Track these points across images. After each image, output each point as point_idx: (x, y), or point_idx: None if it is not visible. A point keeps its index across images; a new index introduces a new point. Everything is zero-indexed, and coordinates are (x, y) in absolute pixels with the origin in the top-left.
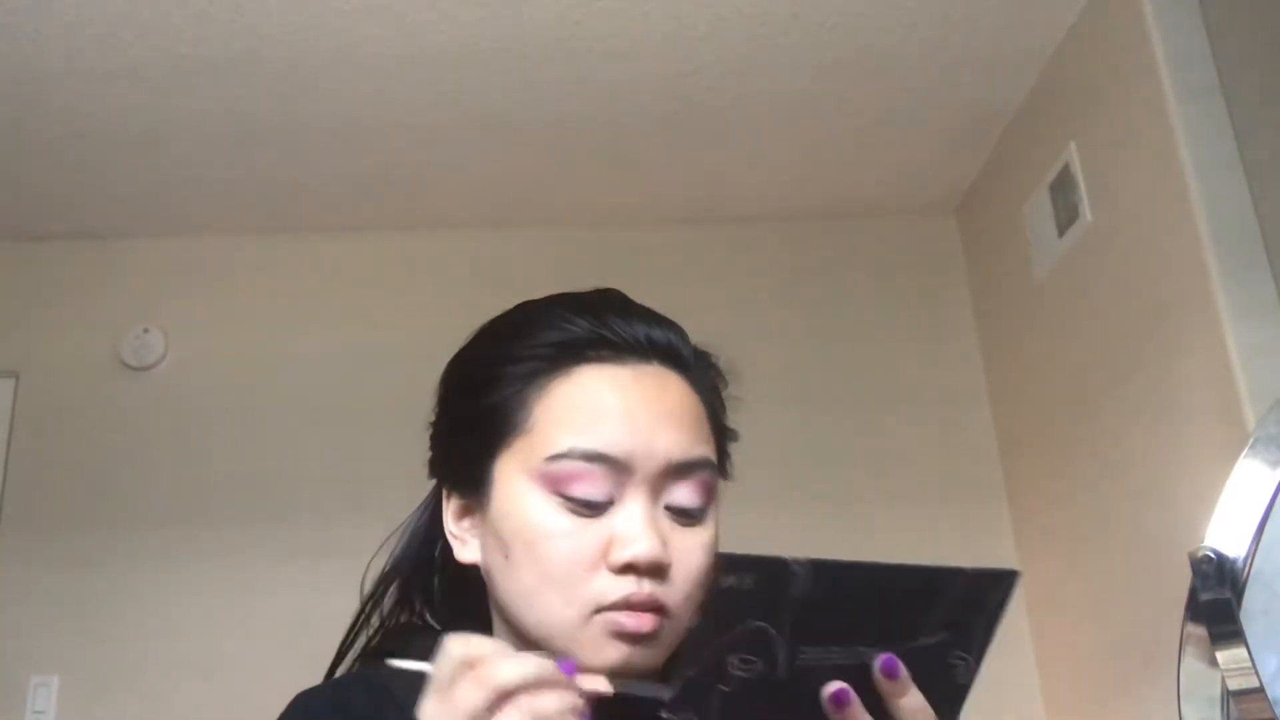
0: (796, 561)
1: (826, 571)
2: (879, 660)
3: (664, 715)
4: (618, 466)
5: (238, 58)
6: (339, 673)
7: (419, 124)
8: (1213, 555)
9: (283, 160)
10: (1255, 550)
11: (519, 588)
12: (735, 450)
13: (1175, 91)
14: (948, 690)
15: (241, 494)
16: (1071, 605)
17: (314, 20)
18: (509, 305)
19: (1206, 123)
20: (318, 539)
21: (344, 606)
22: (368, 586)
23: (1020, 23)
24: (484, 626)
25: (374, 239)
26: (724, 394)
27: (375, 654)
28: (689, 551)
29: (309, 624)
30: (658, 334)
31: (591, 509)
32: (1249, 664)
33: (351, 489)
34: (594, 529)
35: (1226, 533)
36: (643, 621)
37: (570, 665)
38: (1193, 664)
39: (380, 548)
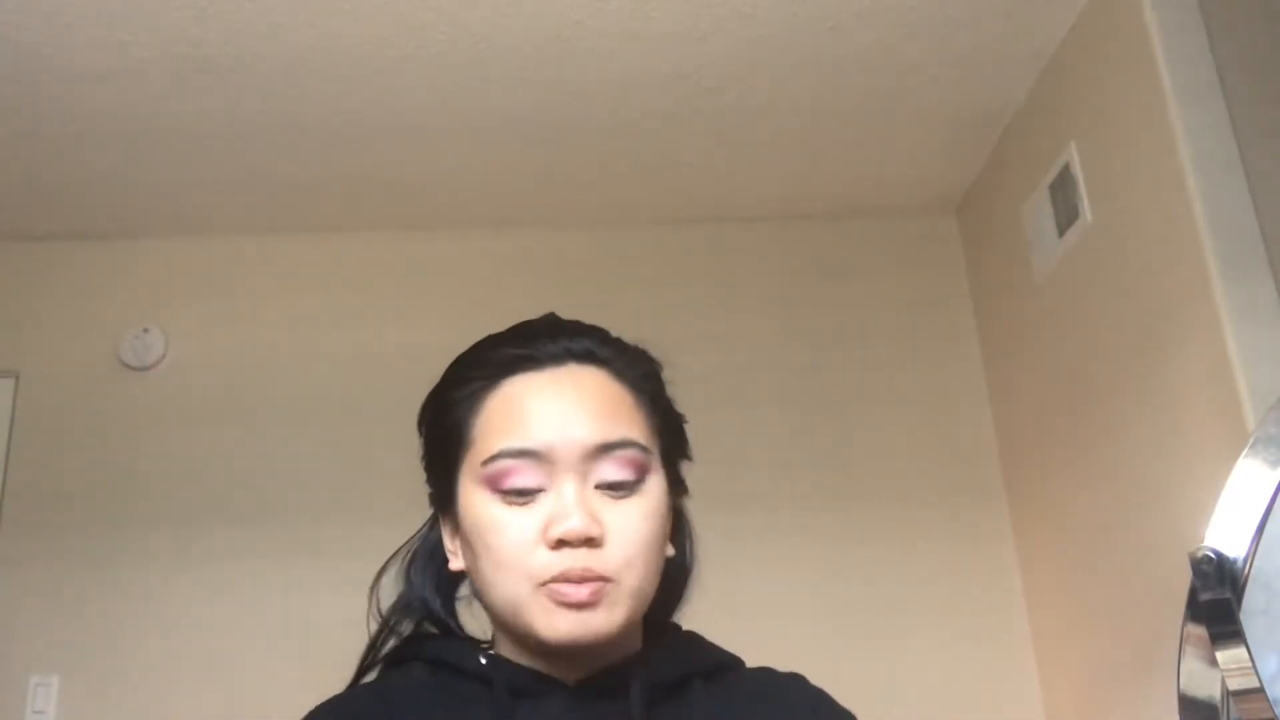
0: None
1: None
2: None
3: None
4: (541, 458)
5: (238, 58)
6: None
7: (419, 124)
8: (1213, 555)
9: (283, 160)
10: (1255, 550)
11: (485, 577)
12: (736, 450)
13: (1175, 91)
14: None
15: (241, 494)
16: (1071, 605)
17: (314, 20)
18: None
19: (1206, 123)
20: (317, 539)
21: (343, 606)
22: (383, 603)
23: (1020, 23)
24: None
25: (374, 239)
26: (663, 380)
27: (393, 661)
28: (623, 520)
29: (308, 624)
30: (573, 342)
31: (525, 497)
32: (1249, 664)
33: (351, 489)
34: (532, 515)
35: (1226, 533)
36: (581, 590)
37: None
38: (1193, 664)
39: (383, 568)
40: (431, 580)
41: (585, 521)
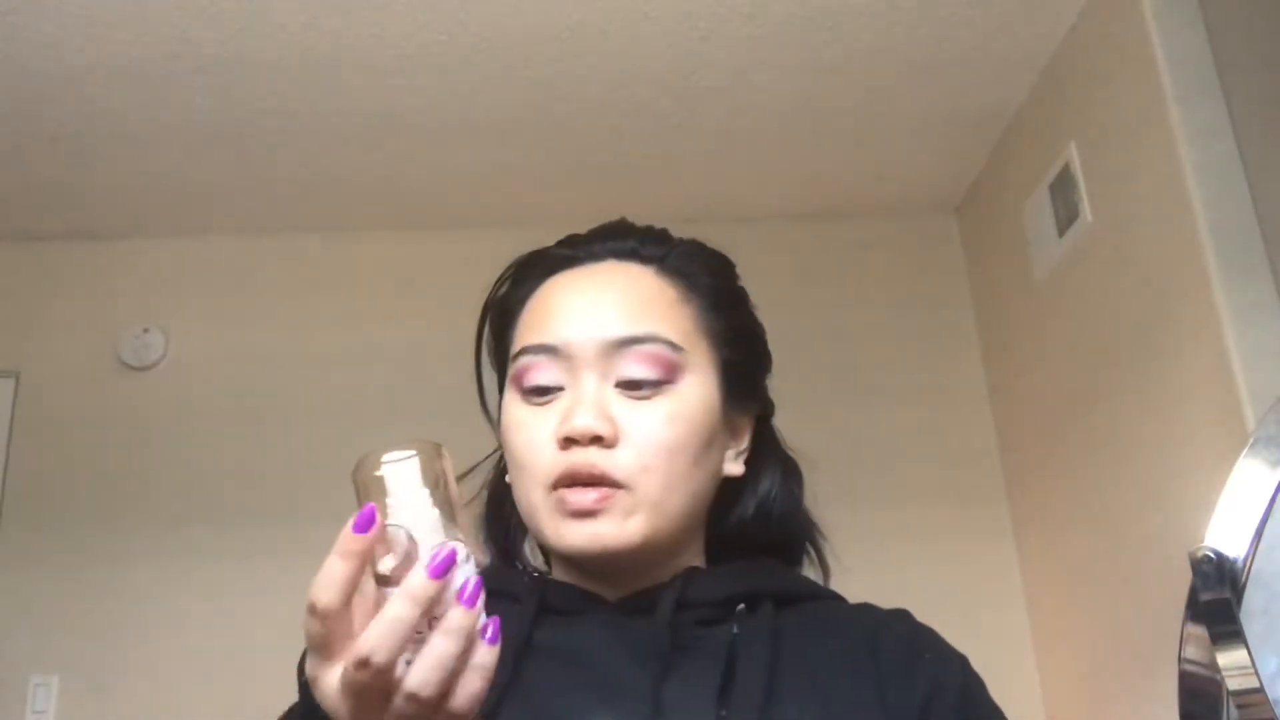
0: None
1: None
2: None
3: None
4: (561, 354)
5: (238, 58)
6: None
7: (419, 124)
8: (1213, 555)
9: (283, 160)
10: (1255, 550)
11: (514, 485)
12: None
13: (1175, 91)
14: None
15: (241, 494)
16: (1071, 605)
17: (314, 20)
18: None
19: (1206, 123)
20: (318, 539)
21: None
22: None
23: (1020, 23)
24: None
25: (374, 239)
26: (736, 285)
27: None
28: (642, 421)
29: None
30: (619, 241)
31: (545, 395)
32: (1249, 664)
33: (351, 489)
34: (548, 415)
35: (1226, 533)
36: (585, 496)
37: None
38: (1192, 664)
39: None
40: (492, 514)
41: (591, 418)
